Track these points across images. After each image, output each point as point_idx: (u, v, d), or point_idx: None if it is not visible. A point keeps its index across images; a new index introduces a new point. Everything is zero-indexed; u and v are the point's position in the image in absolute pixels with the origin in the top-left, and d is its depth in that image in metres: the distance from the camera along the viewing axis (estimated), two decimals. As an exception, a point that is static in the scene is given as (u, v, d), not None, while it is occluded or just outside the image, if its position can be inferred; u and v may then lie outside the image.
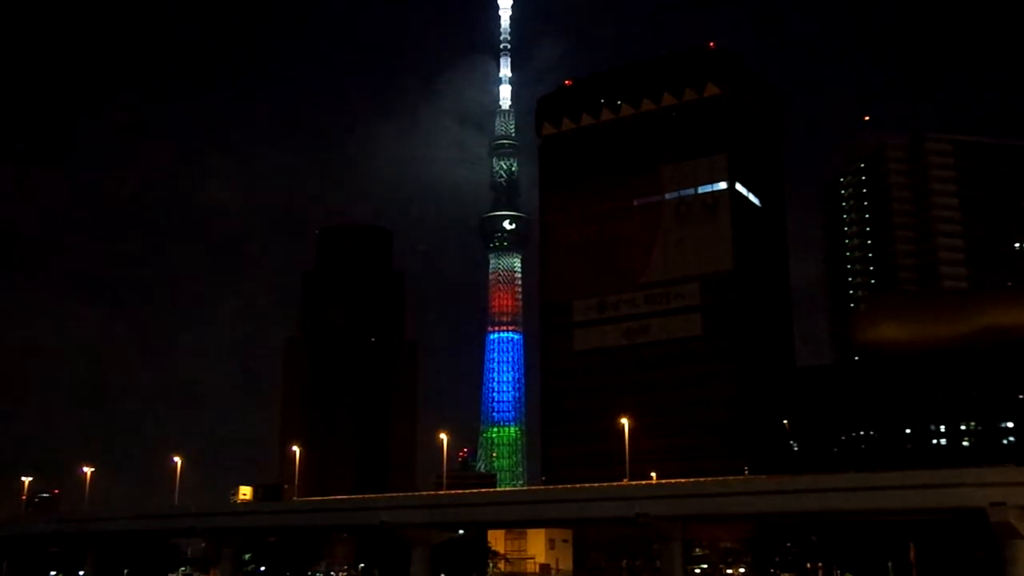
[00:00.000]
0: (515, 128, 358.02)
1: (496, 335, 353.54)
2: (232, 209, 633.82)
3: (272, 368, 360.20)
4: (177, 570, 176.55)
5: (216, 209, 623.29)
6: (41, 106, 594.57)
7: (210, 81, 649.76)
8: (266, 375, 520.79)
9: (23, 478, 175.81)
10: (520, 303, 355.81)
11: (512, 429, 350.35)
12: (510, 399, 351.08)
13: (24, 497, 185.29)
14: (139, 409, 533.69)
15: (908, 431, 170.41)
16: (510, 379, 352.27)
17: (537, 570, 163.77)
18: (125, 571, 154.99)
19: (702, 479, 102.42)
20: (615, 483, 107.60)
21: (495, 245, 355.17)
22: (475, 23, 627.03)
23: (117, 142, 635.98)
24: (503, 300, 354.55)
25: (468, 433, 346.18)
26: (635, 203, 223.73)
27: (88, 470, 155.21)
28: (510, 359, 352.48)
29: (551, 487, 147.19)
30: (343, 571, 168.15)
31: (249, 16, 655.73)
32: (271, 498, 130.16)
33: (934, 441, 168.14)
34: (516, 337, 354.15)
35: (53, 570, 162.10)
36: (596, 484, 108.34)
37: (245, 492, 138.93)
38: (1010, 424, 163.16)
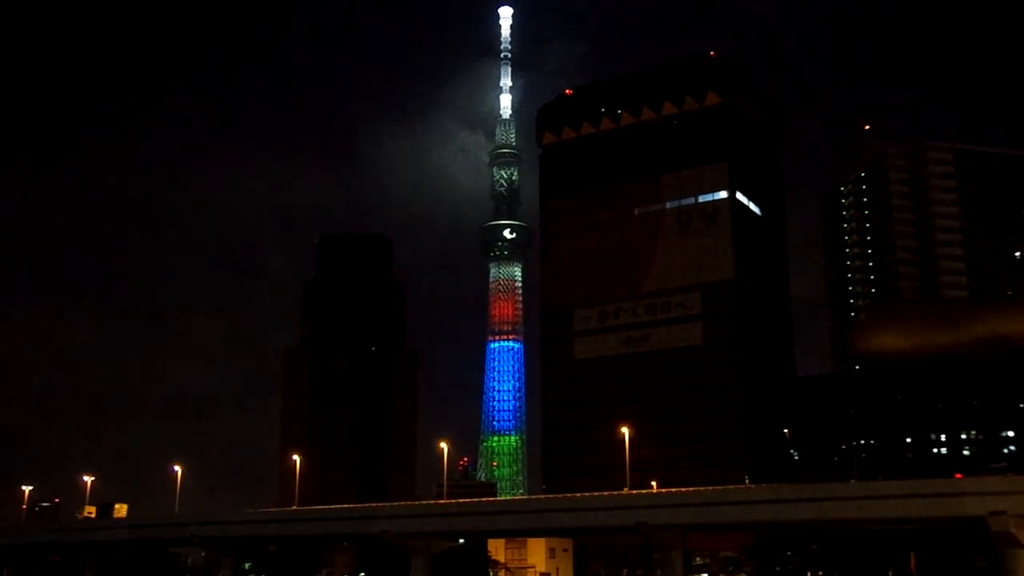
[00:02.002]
0: (516, 136, 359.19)
1: (496, 344, 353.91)
2: (232, 216, 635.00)
3: (272, 378, 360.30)
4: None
5: (216, 216, 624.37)
6: (39, 110, 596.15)
7: (210, 85, 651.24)
8: (266, 385, 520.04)
9: (23, 487, 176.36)
10: (520, 312, 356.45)
11: (512, 438, 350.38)
12: (510, 408, 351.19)
13: (24, 506, 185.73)
14: (138, 418, 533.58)
15: (908, 440, 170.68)
16: (510, 388, 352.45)
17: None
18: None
19: (703, 488, 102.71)
20: (615, 492, 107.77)
21: (495, 254, 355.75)
22: (484, 28, 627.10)
23: (115, 146, 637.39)
24: (503, 309, 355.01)
25: (468, 442, 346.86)
26: (635, 212, 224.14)
27: (88, 479, 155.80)
28: (510, 368, 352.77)
29: (551, 496, 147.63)
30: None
31: (251, 18, 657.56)
32: (105, 516, 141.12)
33: (934, 450, 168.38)
34: (516, 346, 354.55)
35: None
36: (596, 493, 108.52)
37: (90, 510, 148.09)
38: (1011, 433, 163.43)
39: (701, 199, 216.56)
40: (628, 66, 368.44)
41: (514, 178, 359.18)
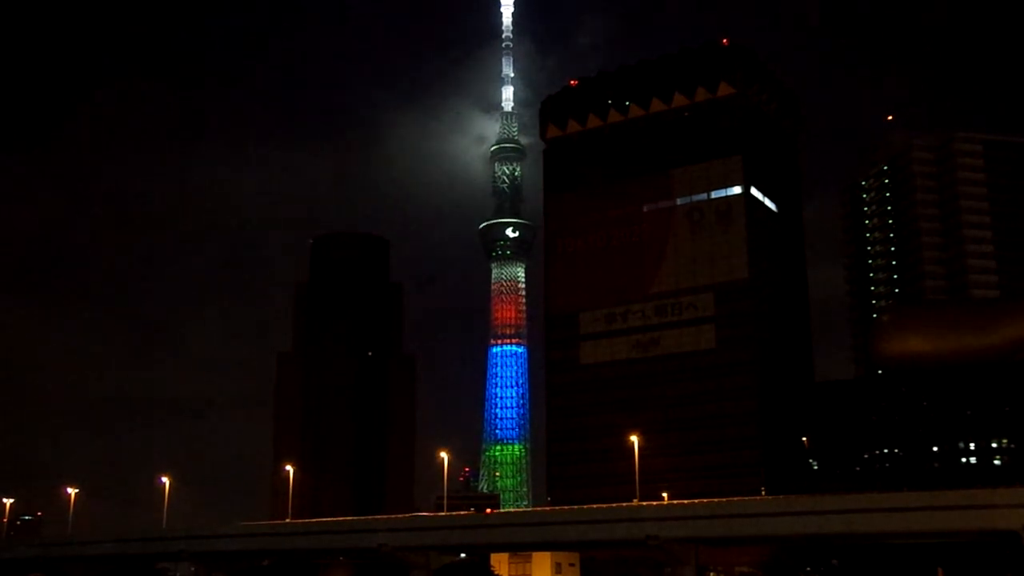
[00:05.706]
0: (518, 129, 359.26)
1: (499, 348, 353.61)
2: (223, 215, 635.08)
3: (265, 384, 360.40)
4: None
5: (206, 214, 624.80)
6: (32, 108, 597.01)
7: (202, 75, 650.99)
8: (259, 391, 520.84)
9: (4, 500, 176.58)
10: (524, 315, 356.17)
11: (516, 447, 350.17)
12: (514, 416, 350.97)
13: (5, 520, 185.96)
14: (126, 427, 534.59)
15: (935, 449, 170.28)
16: (513, 395, 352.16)
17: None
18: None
19: (716, 500, 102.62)
20: (624, 504, 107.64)
21: (497, 254, 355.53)
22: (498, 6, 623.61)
23: (105, 141, 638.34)
24: (506, 312, 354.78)
25: (470, 452, 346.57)
26: (645, 209, 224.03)
27: (72, 491, 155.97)
28: (513, 374, 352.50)
29: (557, 508, 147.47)
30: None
31: (246, 5, 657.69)
32: None
33: (963, 459, 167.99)
34: (520, 350, 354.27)
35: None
36: (604, 505, 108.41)
37: None
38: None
39: (714, 195, 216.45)
40: (659, 51, 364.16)
41: (516, 173, 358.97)
